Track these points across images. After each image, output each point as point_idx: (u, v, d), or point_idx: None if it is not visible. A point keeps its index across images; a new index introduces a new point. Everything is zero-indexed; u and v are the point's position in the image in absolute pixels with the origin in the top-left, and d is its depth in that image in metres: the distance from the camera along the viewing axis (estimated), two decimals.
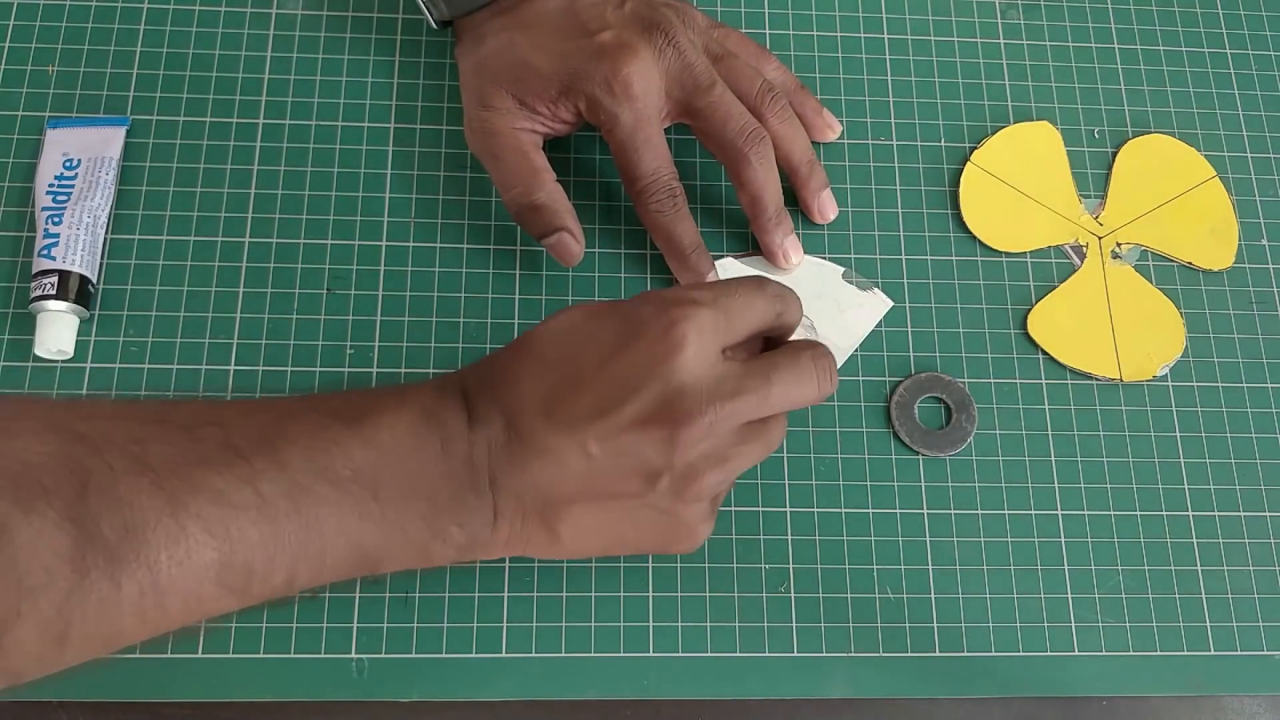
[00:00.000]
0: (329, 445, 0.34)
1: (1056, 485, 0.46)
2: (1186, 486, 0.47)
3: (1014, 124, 0.53)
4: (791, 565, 0.44)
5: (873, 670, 0.43)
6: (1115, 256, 0.51)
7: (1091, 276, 0.50)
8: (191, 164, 0.49)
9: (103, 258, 0.47)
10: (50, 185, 0.47)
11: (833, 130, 0.51)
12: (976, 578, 0.45)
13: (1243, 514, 0.46)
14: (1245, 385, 0.49)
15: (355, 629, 0.42)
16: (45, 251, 0.45)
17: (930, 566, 0.45)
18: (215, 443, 0.33)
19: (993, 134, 0.52)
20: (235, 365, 0.46)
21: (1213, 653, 0.44)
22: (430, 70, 0.52)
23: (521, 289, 0.48)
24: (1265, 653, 0.44)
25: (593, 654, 0.43)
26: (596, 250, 0.49)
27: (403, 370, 0.46)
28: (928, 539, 0.45)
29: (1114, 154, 0.52)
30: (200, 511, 0.32)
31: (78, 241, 0.45)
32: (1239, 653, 0.44)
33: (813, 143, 0.50)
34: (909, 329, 0.48)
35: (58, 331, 0.44)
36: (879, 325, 0.48)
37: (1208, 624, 0.45)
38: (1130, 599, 0.45)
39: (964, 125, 0.52)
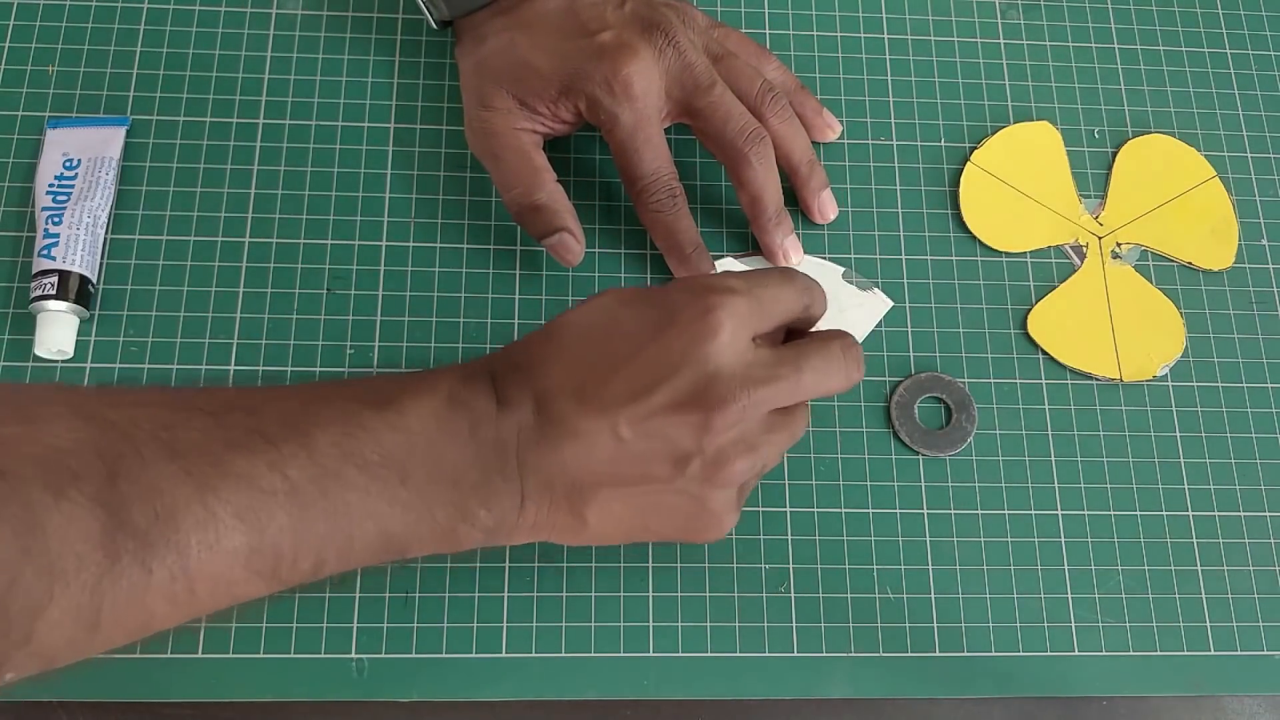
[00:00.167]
0: (357, 430, 0.35)
1: (1056, 485, 0.46)
2: (1186, 486, 0.47)
3: (1014, 124, 0.53)
4: (791, 565, 0.44)
5: (873, 670, 0.43)
6: (1115, 256, 0.51)
7: (1091, 276, 0.50)
8: (191, 164, 0.49)
9: (103, 258, 0.47)
10: (50, 185, 0.47)
11: (833, 130, 0.51)
12: (976, 578, 0.45)
13: (1243, 514, 0.46)
14: (1245, 385, 0.49)
15: (355, 629, 0.42)
16: (45, 251, 0.45)
17: (930, 566, 0.45)
18: (243, 428, 0.34)
19: (993, 134, 0.52)
20: (235, 365, 0.46)
21: (1213, 653, 0.44)
22: (430, 70, 0.52)
23: (521, 289, 0.48)
24: (1265, 653, 0.44)
25: (593, 654, 0.43)
26: (596, 250, 0.49)
27: (403, 370, 0.46)
28: (928, 539, 0.45)
29: (1114, 154, 0.52)
30: (229, 497, 0.32)
31: (78, 241, 0.45)
32: (1239, 653, 0.44)
33: (813, 143, 0.50)
34: (909, 329, 0.48)
35: (58, 331, 0.44)
36: (879, 325, 0.48)
37: (1208, 624, 0.45)
38: (1130, 599, 0.45)
39: (964, 125, 0.52)
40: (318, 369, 0.46)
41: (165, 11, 0.51)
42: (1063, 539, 0.45)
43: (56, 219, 0.46)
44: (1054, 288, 0.50)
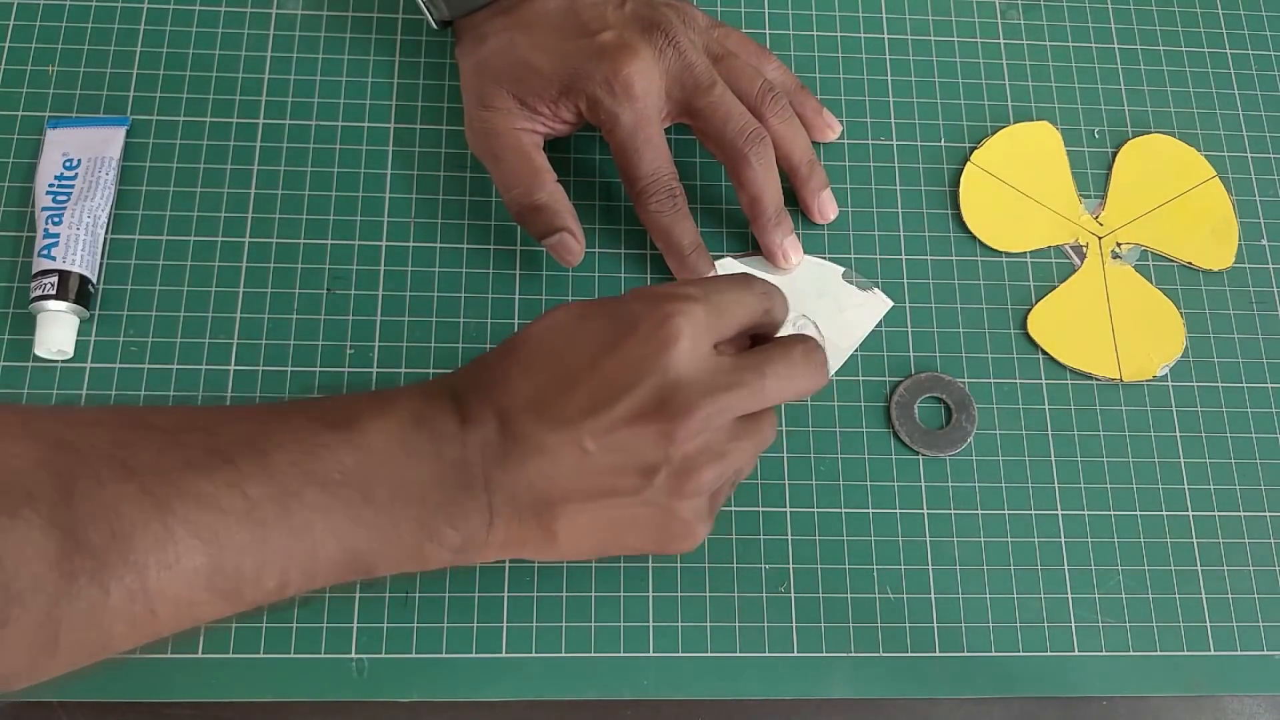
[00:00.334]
0: (317, 449, 0.34)
1: (1056, 485, 0.46)
2: (1186, 486, 0.47)
3: (1014, 124, 0.53)
4: (791, 565, 0.44)
5: (873, 670, 0.43)
6: (1115, 256, 0.51)
7: (1091, 276, 0.50)
8: (191, 164, 0.49)
9: (103, 258, 0.47)
10: (50, 185, 0.47)
11: (833, 130, 0.51)
12: (976, 578, 0.45)
13: (1243, 514, 0.46)
14: (1245, 385, 0.49)
15: (355, 629, 0.42)
16: (45, 251, 0.45)
17: (930, 566, 0.45)
18: (201, 448, 0.33)
19: (993, 134, 0.52)
20: (235, 365, 0.46)
21: (1213, 653, 0.44)
22: (430, 70, 0.52)
23: (521, 289, 0.48)
24: (1265, 653, 0.44)
25: (593, 654, 0.43)
26: (596, 250, 0.49)
27: (403, 370, 0.46)
28: (928, 539, 0.45)
29: (1114, 154, 0.52)
30: (187, 516, 0.32)
31: (78, 241, 0.45)
32: (1239, 653, 0.44)
33: (813, 143, 0.50)
34: (909, 329, 0.48)
35: (58, 331, 0.44)
36: (879, 325, 0.48)
37: (1208, 624, 0.45)
38: (1130, 599, 0.45)
39: (964, 125, 0.52)
40: (318, 369, 0.46)
41: (165, 11, 0.51)
42: (1063, 539, 0.45)
43: (56, 219, 0.46)
44: (1054, 288, 0.50)
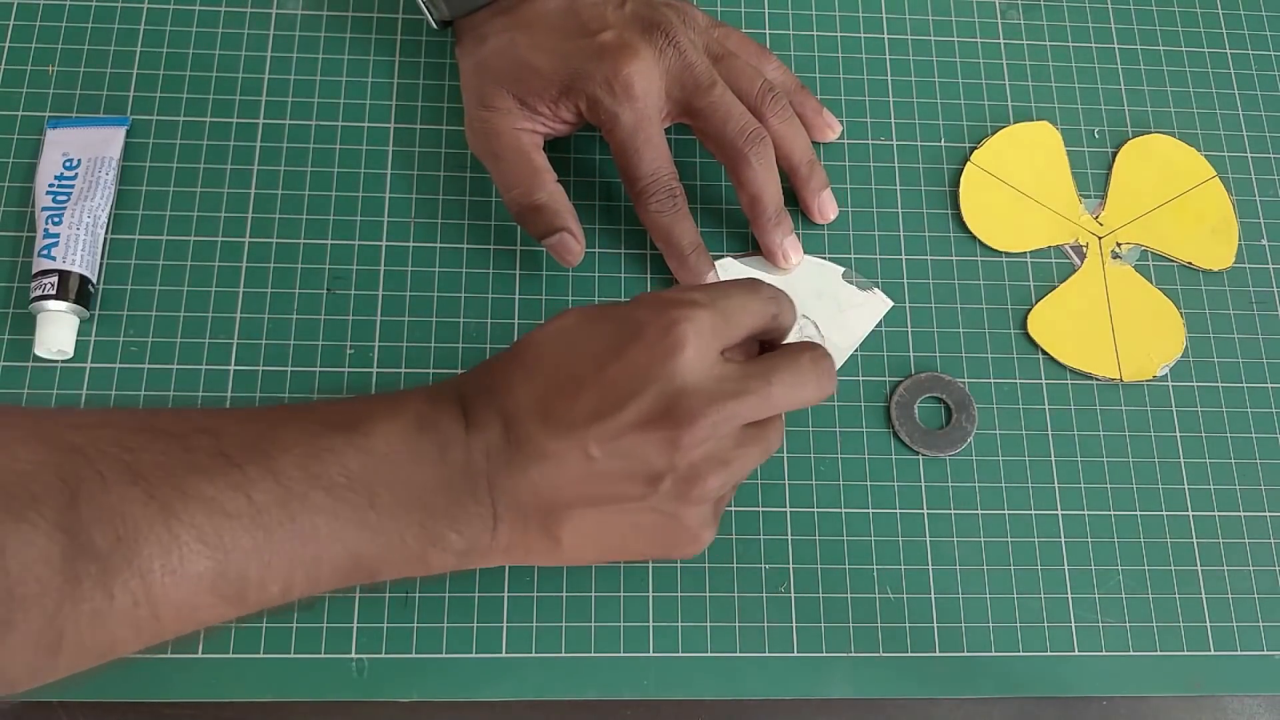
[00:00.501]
0: (323, 453, 0.34)
1: (1056, 485, 0.46)
2: (1186, 486, 0.47)
3: (1014, 124, 0.53)
4: (791, 565, 0.44)
5: (873, 670, 0.43)
6: (1115, 256, 0.51)
7: (1091, 276, 0.50)
8: (191, 164, 0.49)
9: (103, 258, 0.47)
10: (50, 185, 0.47)
11: (833, 130, 0.51)
12: (976, 578, 0.45)
13: (1243, 514, 0.46)
14: (1245, 385, 0.49)
15: (355, 629, 0.42)
16: (45, 251, 0.45)
17: (930, 566, 0.45)
18: (207, 451, 0.33)
19: (993, 134, 0.52)
20: (235, 365, 0.46)
21: (1213, 653, 0.44)
22: (430, 70, 0.52)
23: (521, 289, 0.48)
24: (1265, 653, 0.44)
25: (593, 654, 0.43)
26: (596, 250, 0.49)
27: (403, 370, 0.46)
28: (928, 539, 0.45)
29: (1114, 154, 0.52)
30: (192, 520, 0.32)
31: (78, 241, 0.45)
32: (1239, 653, 0.44)
33: (813, 143, 0.50)
34: (909, 329, 0.48)
35: (58, 331, 0.44)
36: (879, 325, 0.48)
37: (1208, 624, 0.45)
38: (1130, 599, 0.45)
39: (964, 125, 0.52)
40: (318, 369, 0.46)
41: (165, 11, 0.51)
42: (1063, 539, 0.45)
43: (56, 219, 0.46)
44: (1054, 288, 0.50)
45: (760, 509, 0.45)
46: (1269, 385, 0.49)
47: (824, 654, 0.43)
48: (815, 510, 0.45)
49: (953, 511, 0.46)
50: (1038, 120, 0.53)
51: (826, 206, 0.49)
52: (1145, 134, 0.53)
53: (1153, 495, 0.46)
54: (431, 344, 0.47)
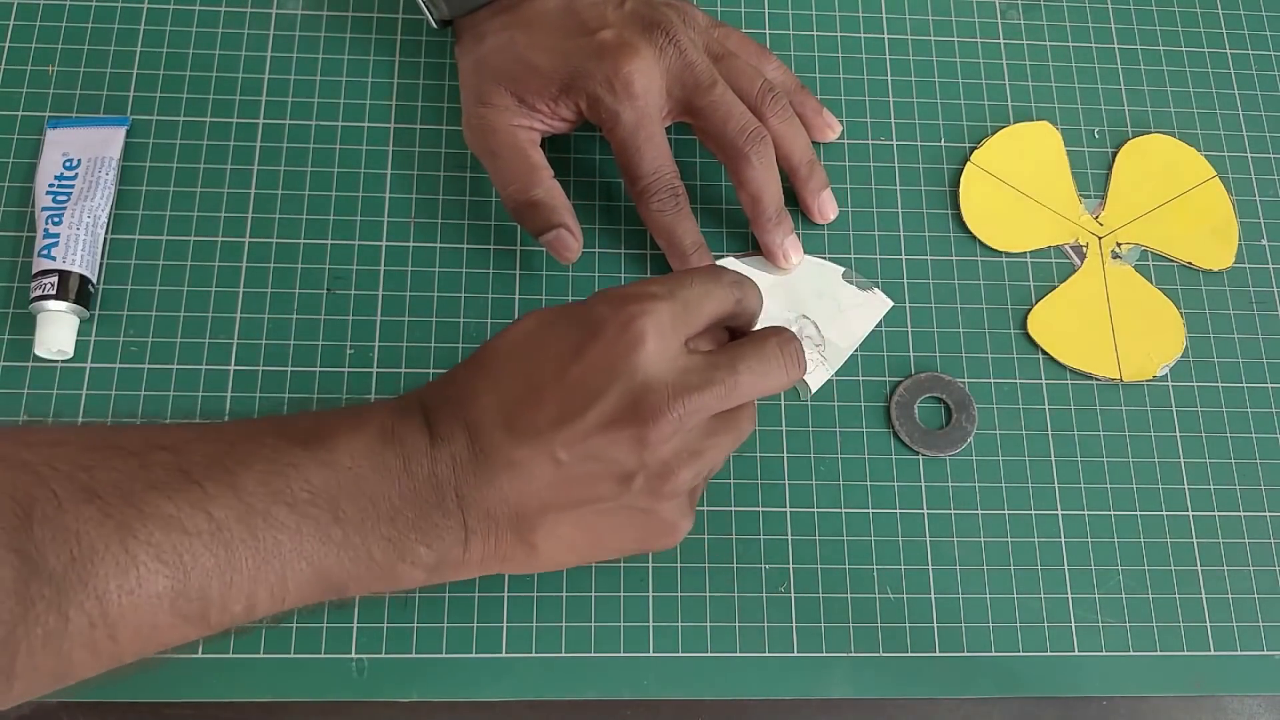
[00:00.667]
0: (285, 468, 0.33)
1: (1056, 485, 0.46)
2: (1186, 486, 0.47)
3: (1014, 124, 0.53)
4: (791, 565, 0.44)
5: (873, 670, 0.43)
6: (1115, 256, 0.51)
7: (1091, 276, 0.50)
8: (191, 164, 0.49)
9: (103, 258, 0.47)
10: (50, 185, 0.47)
11: (833, 130, 0.51)
12: (976, 578, 0.45)
13: (1243, 514, 0.46)
14: (1245, 385, 0.49)
15: (355, 629, 0.42)
16: (45, 251, 0.45)
17: (930, 566, 0.45)
18: (166, 468, 0.32)
19: (993, 134, 0.52)
20: (235, 365, 0.46)
21: (1213, 653, 0.44)
22: (430, 70, 0.52)
23: (521, 289, 0.48)
24: (1265, 653, 0.44)
25: (593, 654, 0.43)
26: (596, 250, 0.49)
27: (402, 370, 0.46)
28: (928, 539, 0.45)
29: (1114, 154, 0.52)
30: (150, 538, 0.31)
31: (78, 241, 0.45)
32: (1239, 653, 0.44)
33: (813, 143, 0.50)
34: (909, 329, 0.48)
35: (58, 331, 0.44)
36: (879, 325, 0.48)
37: (1208, 624, 0.45)
38: (1130, 599, 0.45)
39: (964, 125, 0.52)
40: (317, 369, 0.46)
41: (165, 11, 0.51)
42: (1063, 539, 0.45)
43: (56, 219, 0.46)
44: (1054, 288, 0.50)
45: (760, 509, 0.45)
46: (1269, 385, 0.49)
47: (824, 654, 0.43)
48: (815, 510, 0.45)
49: (953, 511, 0.46)
50: (1038, 120, 0.53)
51: (826, 206, 0.49)
52: (1145, 134, 0.53)
53: (1153, 495, 0.46)
54: (431, 344, 0.47)
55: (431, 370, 0.46)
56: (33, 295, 0.45)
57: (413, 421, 0.36)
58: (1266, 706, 0.44)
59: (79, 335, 0.45)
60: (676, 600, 0.43)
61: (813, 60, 0.53)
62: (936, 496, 0.46)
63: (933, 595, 0.44)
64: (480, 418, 0.35)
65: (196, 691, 0.41)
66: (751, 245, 0.49)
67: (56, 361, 0.45)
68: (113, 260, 0.47)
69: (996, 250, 0.50)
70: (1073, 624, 0.44)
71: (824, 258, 0.49)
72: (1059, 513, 0.46)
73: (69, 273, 0.45)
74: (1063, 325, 0.49)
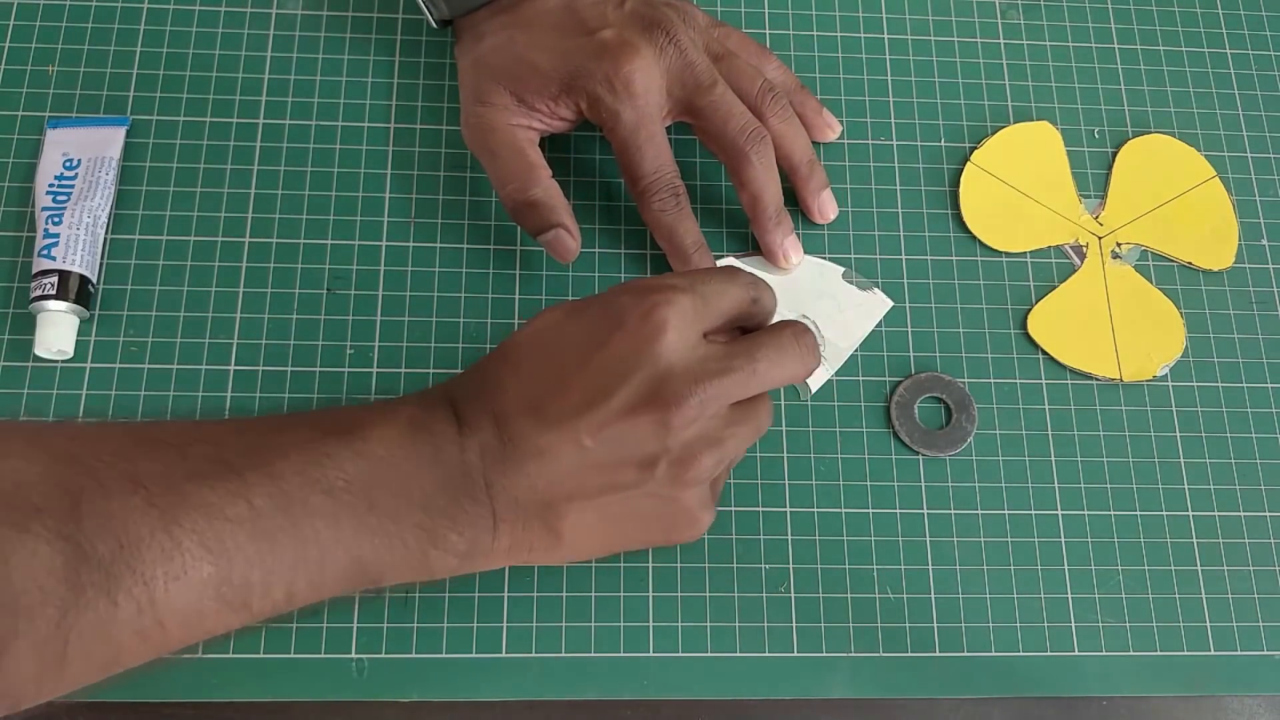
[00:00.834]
0: (321, 458, 0.34)
1: (1056, 485, 0.46)
2: (1186, 486, 0.47)
3: (1014, 124, 0.53)
4: (791, 565, 0.44)
5: (873, 670, 0.43)
6: (1115, 256, 0.51)
7: (1091, 276, 0.50)
8: (191, 164, 0.49)
9: (103, 258, 0.47)
10: (50, 185, 0.47)
11: (833, 130, 0.51)
12: (976, 578, 0.45)
13: (1243, 514, 0.46)
14: (1245, 385, 0.49)
15: (355, 629, 0.42)
16: (45, 251, 0.45)
17: (930, 566, 0.45)
18: (206, 458, 0.33)
19: (993, 134, 0.52)
20: (235, 365, 0.46)
21: (1213, 653, 0.44)
22: (430, 70, 0.52)
23: (521, 289, 0.48)
24: (1265, 653, 0.44)
25: (593, 654, 0.43)
26: (596, 250, 0.49)
27: (402, 370, 0.46)
28: (928, 539, 0.45)
29: (1114, 154, 0.52)
30: (194, 526, 0.32)
31: (78, 241, 0.45)
32: (1239, 653, 0.44)
33: (813, 143, 0.50)
34: (909, 329, 0.48)
35: (58, 331, 0.44)
36: (879, 325, 0.48)
37: (1208, 624, 0.45)
38: (1130, 599, 0.45)
39: (964, 125, 0.52)
40: (318, 369, 0.46)
41: (165, 11, 0.51)
42: (1063, 539, 0.45)
43: (56, 219, 0.46)
44: (1054, 288, 0.50)
45: (760, 509, 0.45)
46: (1269, 385, 0.49)
47: (824, 654, 0.43)
48: (815, 510, 0.45)
49: (953, 511, 0.46)
50: (1038, 120, 0.53)
51: (826, 206, 0.49)
52: (1145, 134, 0.53)
53: (1153, 495, 0.46)
54: (431, 344, 0.47)
55: (431, 370, 0.46)
56: (33, 295, 0.45)
57: (441, 413, 0.37)
58: (1266, 706, 0.44)
59: (79, 335, 0.45)
60: (676, 600, 0.43)
61: (813, 60, 0.53)
62: (936, 496, 0.46)
63: (933, 595, 0.44)
64: (507, 407, 0.36)
65: (197, 691, 0.41)
66: (751, 245, 0.49)
67: (56, 361, 0.45)
68: (113, 260, 0.47)
69: (996, 250, 0.50)
70: (1073, 624, 0.44)
71: (824, 258, 0.49)
72: (1059, 513, 0.46)
73: (69, 273, 0.45)
74: (1063, 325, 0.49)
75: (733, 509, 0.45)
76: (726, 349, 0.38)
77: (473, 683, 0.42)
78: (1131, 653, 0.44)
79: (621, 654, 0.43)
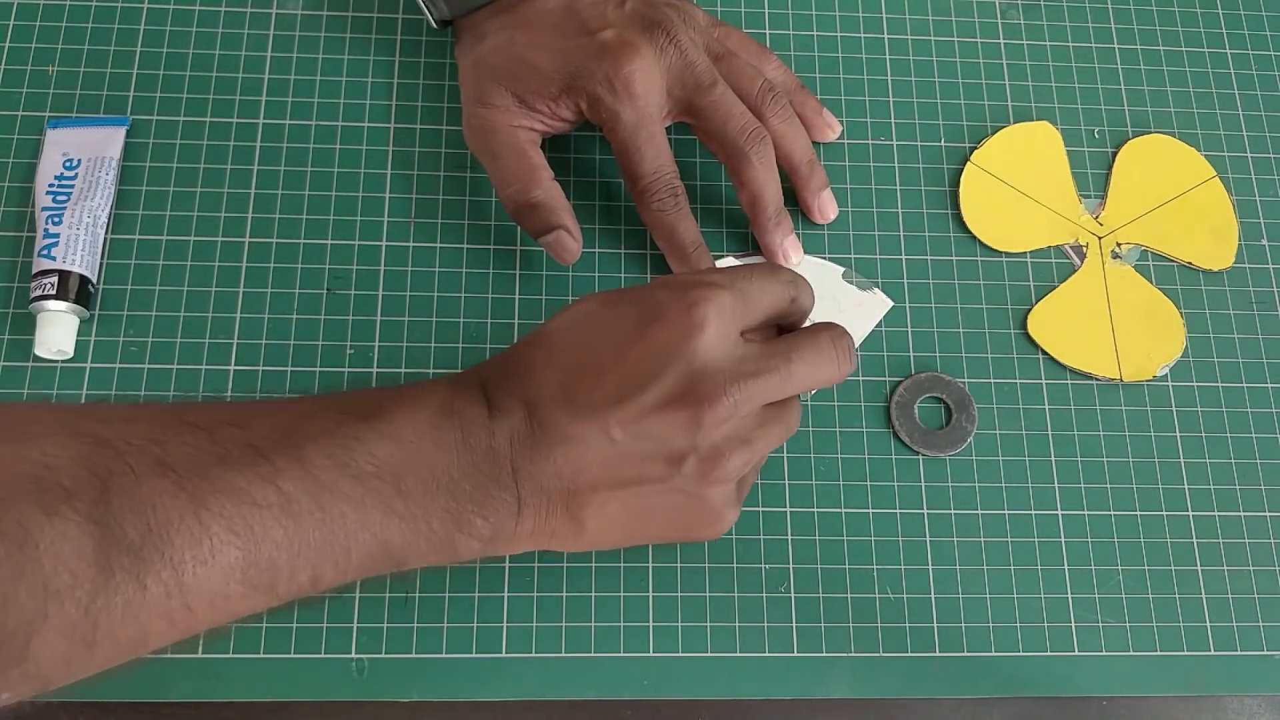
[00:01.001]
0: (350, 441, 0.34)
1: (1056, 485, 0.46)
2: (1186, 486, 0.47)
3: (1014, 124, 0.53)
4: (791, 565, 0.44)
5: (873, 670, 0.43)
6: (1115, 256, 0.51)
7: (1091, 276, 0.50)
8: (191, 164, 0.49)
9: (103, 258, 0.47)
10: (50, 185, 0.47)
11: (833, 130, 0.51)
12: (976, 578, 0.45)
13: (1243, 514, 0.46)
14: (1245, 385, 0.49)
15: (355, 629, 0.42)
16: (45, 251, 0.45)
17: (930, 566, 0.45)
18: (235, 442, 0.33)
19: (993, 134, 0.52)
20: (235, 365, 0.46)
21: (1213, 653, 0.44)
22: (430, 70, 0.52)
23: (521, 289, 0.48)
24: (1265, 653, 0.44)
25: (593, 654, 0.43)
26: (596, 250, 0.49)
27: (403, 370, 0.46)
28: (928, 539, 0.45)
29: (1114, 154, 0.52)
30: (222, 510, 0.32)
31: (78, 241, 0.45)
32: (1239, 653, 0.44)
33: (813, 143, 0.50)
34: (909, 329, 0.48)
35: (58, 331, 0.44)
36: (879, 325, 0.48)
37: (1208, 624, 0.45)
38: (1130, 599, 0.45)
39: (964, 125, 0.52)
40: (318, 369, 0.46)
41: (165, 11, 0.51)
42: (1063, 539, 0.45)
43: (56, 219, 0.46)
44: (1054, 288, 0.50)
45: (760, 509, 0.45)
46: (1269, 385, 0.49)
47: (824, 654, 0.43)
48: (815, 510, 0.45)
49: (953, 511, 0.46)
50: (1038, 120, 0.53)
51: (826, 206, 0.49)
52: (1145, 134, 0.53)
53: (1153, 495, 0.46)
54: (431, 344, 0.47)
55: (431, 370, 0.46)
56: (33, 295, 0.45)
57: (471, 396, 0.37)
58: (1266, 706, 0.44)
59: (79, 335, 0.45)
60: (676, 600, 0.43)
61: (813, 60, 0.53)
62: (936, 496, 0.46)
63: (933, 595, 0.44)
64: (539, 393, 0.36)
65: (197, 691, 0.41)
66: (751, 245, 0.49)
67: (56, 361, 0.45)
68: (113, 260, 0.47)
69: (996, 250, 0.50)
70: (1073, 624, 0.44)
71: (824, 258, 0.49)
72: (1059, 513, 0.46)
73: (69, 273, 0.45)
74: (1063, 325, 0.49)
75: None
76: (763, 349, 0.37)
77: (473, 683, 0.42)
78: (1131, 653, 0.44)
79: (621, 654, 0.43)
